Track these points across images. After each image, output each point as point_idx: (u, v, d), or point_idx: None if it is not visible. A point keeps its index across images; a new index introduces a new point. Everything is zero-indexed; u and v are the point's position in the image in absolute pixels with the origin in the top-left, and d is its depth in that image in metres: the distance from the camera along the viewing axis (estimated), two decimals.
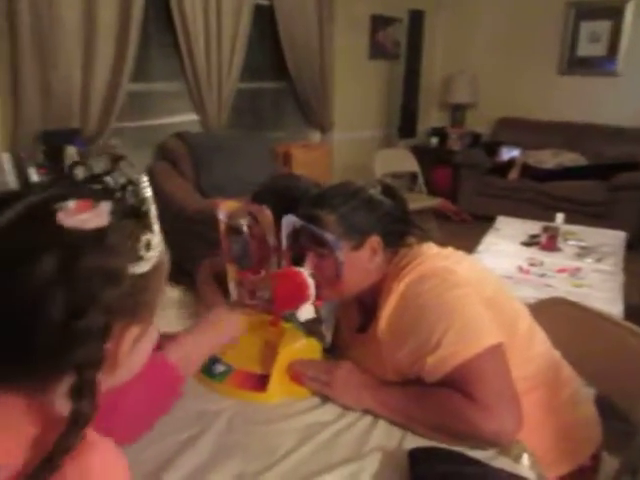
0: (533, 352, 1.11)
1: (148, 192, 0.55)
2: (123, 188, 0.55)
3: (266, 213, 1.11)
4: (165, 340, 0.96)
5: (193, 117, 3.81)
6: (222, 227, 1.17)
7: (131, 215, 0.54)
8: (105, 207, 0.50)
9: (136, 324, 0.54)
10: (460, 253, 1.13)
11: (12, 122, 2.91)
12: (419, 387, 0.99)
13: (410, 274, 1.03)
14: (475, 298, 1.00)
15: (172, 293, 1.53)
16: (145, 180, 0.56)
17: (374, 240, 1.06)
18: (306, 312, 1.09)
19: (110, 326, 0.49)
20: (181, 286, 1.58)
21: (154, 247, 0.54)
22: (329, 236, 1.02)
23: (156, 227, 0.55)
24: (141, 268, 0.52)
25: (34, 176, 2.89)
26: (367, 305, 1.14)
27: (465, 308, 0.98)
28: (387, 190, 1.12)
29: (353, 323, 1.19)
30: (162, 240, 0.56)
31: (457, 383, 0.93)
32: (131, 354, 0.55)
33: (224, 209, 1.16)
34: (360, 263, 1.06)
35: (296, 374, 1.08)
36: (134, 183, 0.55)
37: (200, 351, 1.04)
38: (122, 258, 0.50)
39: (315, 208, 1.07)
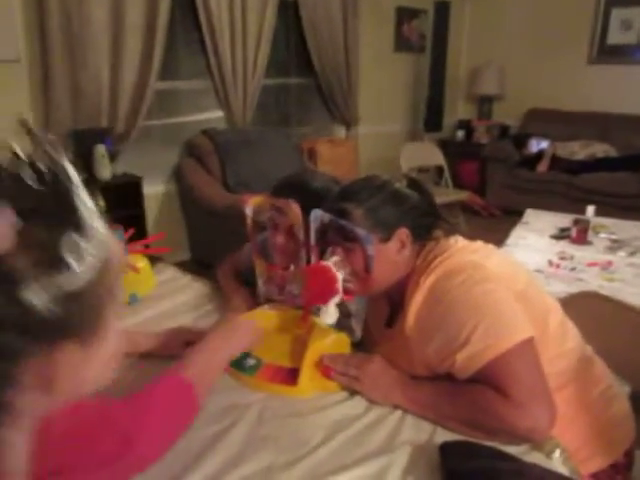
0: (565, 347, 1.09)
1: (73, 176, 0.41)
2: (40, 177, 0.41)
3: (294, 207, 1.11)
4: (179, 359, 0.95)
5: (219, 114, 3.85)
6: (249, 223, 1.18)
7: (51, 218, 0.40)
8: (5, 221, 0.37)
9: (73, 344, 0.42)
10: (490, 247, 1.12)
11: (43, 122, 2.97)
12: (450, 384, 0.98)
13: (438, 269, 1.02)
14: (505, 292, 0.99)
15: (200, 286, 1.55)
16: (66, 161, 0.41)
17: (402, 232, 1.06)
18: (330, 316, 1.10)
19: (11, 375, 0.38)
20: (206, 280, 1.60)
21: (88, 253, 0.41)
22: (360, 230, 1.01)
23: (92, 223, 0.41)
24: (70, 286, 0.39)
25: None
26: (395, 300, 1.13)
27: (495, 303, 0.96)
28: (413, 184, 1.12)
29: (381, 318, 1.19)
30: (104, 233, 0.43)
31: (489, 379, 0.92)
32: (81, 371, 0.44)
33: (251, 205, 1.17)
34: (388, 256, 1.06)
35: (325, 368, 1.08)
36: (55, 167, 0.41)
37: (213, 368, 0.99)
38: (35, 288, 0.38)
39: (342, 202, 1.06)
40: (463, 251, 1.06)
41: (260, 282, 1.25)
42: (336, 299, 1.08)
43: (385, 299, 1.18)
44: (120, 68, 3.12)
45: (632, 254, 2.56)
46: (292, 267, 1.16)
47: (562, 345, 1.08)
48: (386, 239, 1.05)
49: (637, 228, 2.96)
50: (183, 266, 1.84)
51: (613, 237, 2.77)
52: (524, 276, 1.10)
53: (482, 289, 0.97)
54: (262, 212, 1.21)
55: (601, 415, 1.12)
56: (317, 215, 1.06)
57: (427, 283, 1.01)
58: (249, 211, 1.17)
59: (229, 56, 3.66)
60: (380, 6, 4.80)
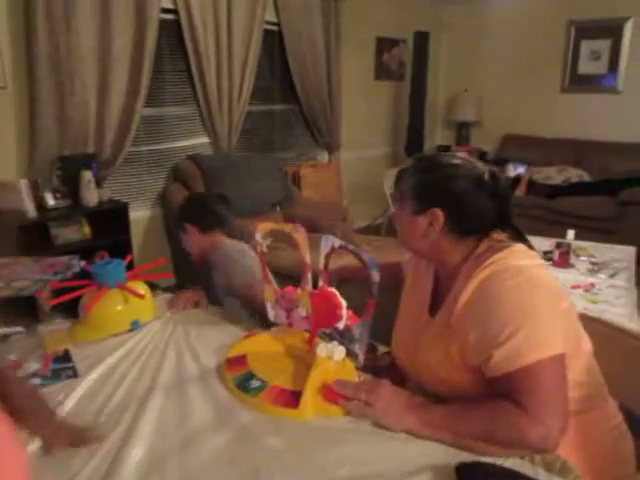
0: (587, 376, 1.11)
1: None
2: None
3: (301, 231, 1.13)
4: None
5: (204, 140, 3.87)
6: (258, 249, 1.20)
7: None
8: None
9: None
10: (542, 261, 1.13)
11: (29, 149, 2.96)
12: (462, 403, 1.00)
13: (495, 264, 1.03)
14: (554, 305, 1.02)
15: (199, 313, 1.56)
16: None
17: (435, 213, 1.08)
18: (339, 353, 1.14)
19: None
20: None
21: None
22: (365, 255, 1.04)
23: None
24: None
25: (50, 201, 2.94)
26: (441, 288, 1.16)
27: (542, 312, 0.99)
28: (492, 178, 1.09)
29: (422, 306, 1.20)
30: None
31: (512, 384, 0.95)
32: None
33: (261, 230, 1.19)
34: (417, 227, 1.11)
35: (331, 393, 1.09)
36: None
37: None
38: None
39: (409, 167, 1.14)
40: (521, 254, 1.07)
41: (269, 306, 1.26)
42: (340, 326, 1.11)
43: (430, 287, 1.20)
44: (107, 94, 3.13)
45: (612, 276, 2.63)
46: (299, 290, 1.18)
47: (586, 374, 1.10)
48: (417, 212, 1.10)
49: (614, 251, 3.05)
50: (168, 292, 1.83)
51: (593, 260, 2.85)
52: (567, 296, 1.12)
53: (537, 296, 1.00)
54: (267, 238, 1.23)
55: (607, 449, 1.13)
56: (328, 240, 1.09)
57: (481, 275, 1.03)
58: (259, 237, 1.19)
59: (215, 83, 3.70)
60: (361, 36, 4.93)
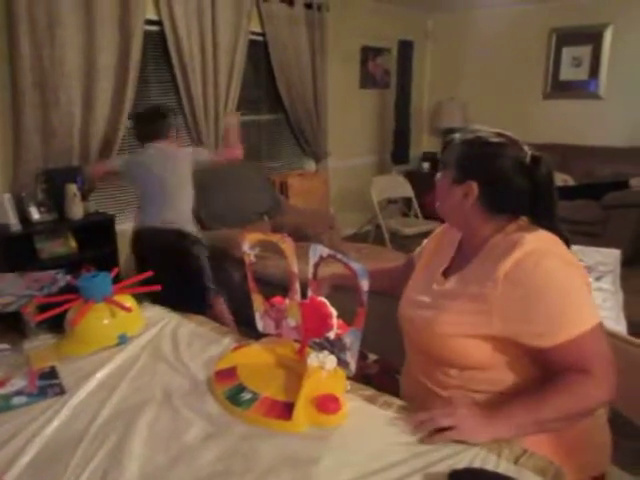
0: None
1: None
2: None
3: (289, 241, 1.13)
4: None
5: (190, 150, 3.85)
6: (247, 259, 1.19)
7: None
8: None
9: None
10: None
11: (13, 162, 2.93)
12: (530, 394, 1.04)
13: (531, 244, 1.06)
14: (589, 286, 1.09)
15: (187, 324, 1.54)
16: None
17: (471, 186, 1.13)
18: (330, 362, 1.14)
19: None
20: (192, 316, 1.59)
21: None
22: (355, 265, 1.04)
23: None
24: None
25: (35, 215, 2.91)
26: (460, 257, 1.21)
27: (583, 289, 1.06)
28: (533, 162, 1.12)
29: (440, 267, 1.25)
30: None
31: (573, 351, 1.02)
32: None
33: (248, 241, 1.19)
34: (453, 196, 1.16)
35: (321, 404, 1.08)
36: None
37: None
38: None
39: (455, 139, 1.18)
40: (551, 238, 1.11)
41: (257, 316, 1.26)
42: (331, 335, 1.10)
43: (451, 254, 1.25)
44: (92, 107, 3.12)
45: (598, 279, 2.65)
46: (287, 300, 1.18)
47: None
48: (455, 182, 1.15)
49: (599, 254, 3.07)
50: (156, 304, 1.81)
51: (581, 263, 2.87)
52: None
53: (574, 276, 1.06)
54: (254, 248, 1.22)
55: (587, 437, 1.15)
56: (316, 250, 1.09)
57: (518, 254, 1.06)
58: (246, 247, 1.19)
59: (201, 94, 3.70)
60: (346, 45, 4.96)
